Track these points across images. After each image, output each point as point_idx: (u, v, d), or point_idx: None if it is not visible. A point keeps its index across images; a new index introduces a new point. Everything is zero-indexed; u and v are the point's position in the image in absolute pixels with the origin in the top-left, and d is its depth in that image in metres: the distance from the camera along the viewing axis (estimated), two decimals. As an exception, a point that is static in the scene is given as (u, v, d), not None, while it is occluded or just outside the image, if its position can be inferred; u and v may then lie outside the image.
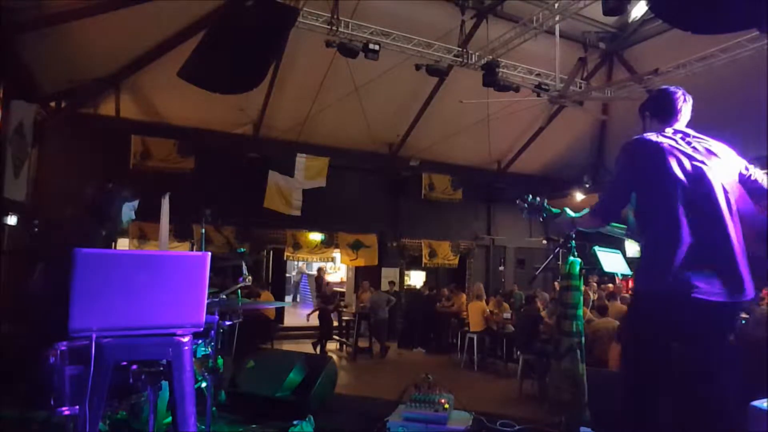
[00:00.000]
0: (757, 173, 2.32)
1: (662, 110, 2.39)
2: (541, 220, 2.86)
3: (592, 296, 8.71)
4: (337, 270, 17.58)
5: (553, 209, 2.83)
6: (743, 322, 5.02)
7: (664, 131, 2.30)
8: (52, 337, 2.06)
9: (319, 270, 13.70)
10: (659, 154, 2.19)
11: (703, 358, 2.13)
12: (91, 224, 2.71)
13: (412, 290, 13.30)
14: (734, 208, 2.16)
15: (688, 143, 2.24)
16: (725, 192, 2.17)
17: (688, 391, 2.14)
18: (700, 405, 2.12)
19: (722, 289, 2.04)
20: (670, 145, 2.21)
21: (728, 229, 2.09)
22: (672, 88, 2.42)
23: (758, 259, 2.19)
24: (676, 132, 2.30)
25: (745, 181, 2.30)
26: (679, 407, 2.14)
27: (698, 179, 2.15)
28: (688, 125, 2.40)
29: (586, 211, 2.56)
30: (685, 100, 2.38)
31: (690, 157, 2.19)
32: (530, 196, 2.87)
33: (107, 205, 2.76)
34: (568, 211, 2.67)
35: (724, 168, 2.23)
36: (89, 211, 2.76)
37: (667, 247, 2.11)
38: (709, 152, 2.24)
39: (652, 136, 2.26)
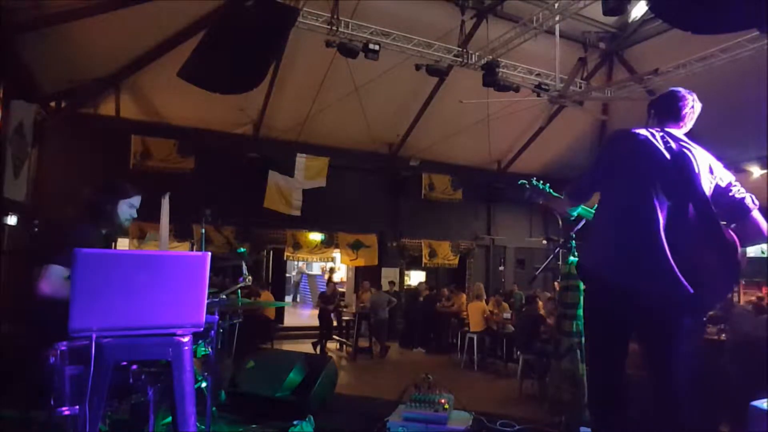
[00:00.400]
0: (741, 191, 2.27)
1: (666, 112, 2.39)
2: (540, 201, 2.93)
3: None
4: (337, 270, 17.60)
5: (555, 193, 2.89)
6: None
7: (650, 128, 2.32)
8: (52, 337, 2.05)
9: (331, 270, 13.78)
10: (629, 146, 2.26)
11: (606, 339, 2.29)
12: (88, 224, 2.67)
13: (411, 290, 13.31)
14: (689, 214, 2.15)
15: (665, 143, 2.23)
16: (686, 197, 2.16)
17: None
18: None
19: (635, 283, 2.12)
20: (646, 140, 2.24)
21: (659, 228, 2.12)
22: (682, 93, 2.40)
23: (712, 271, 2.17)
24: (659, 130, 2.30)
25: (723, 194, 2.25)
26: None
27: (656, 177, 2.17)
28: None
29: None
30: (692, 106, 2.36)
31: (656, 156, 2.20)
32: (534, 179, 2.94)
33: (102, 203, 2.71)
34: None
35: (692, 175, 2.20)
36: (85, 210, 2.72)
37: (599, 232, 2.32)
38: (682, 156, 2.21)
39: (635, 130, 2.30)
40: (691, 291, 2.06)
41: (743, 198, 2.25)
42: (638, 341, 2.28)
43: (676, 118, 2.36)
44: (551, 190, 2.89)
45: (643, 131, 2.29)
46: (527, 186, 2.94)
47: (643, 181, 2.19)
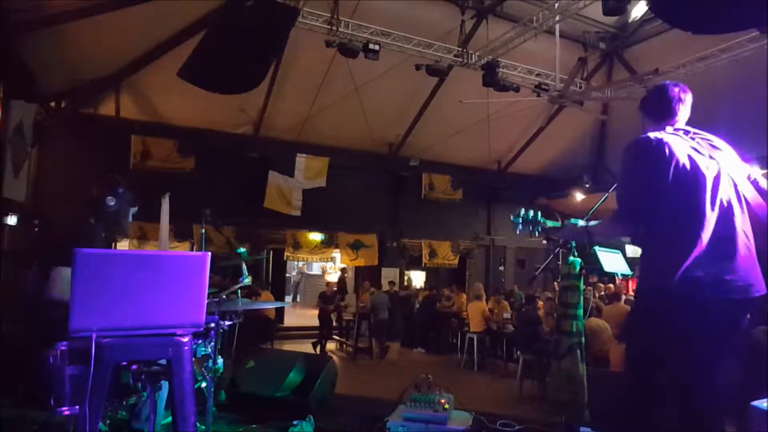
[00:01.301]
0: (756, 173, 2.30)
1: (659, 109, 2.33)
2: (537, 234, 2.72)
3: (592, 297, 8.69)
4: (338, 270, 17.59)
5: (549, 221, 2.70)
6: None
7: (664, 129, 2.25)
8: (52, 337, 2.06)
9: (343, 270, 13.83)
10: (665, 150, 2.13)
11: (713, 358, 2.08)
12: (94, 224, 2.68)
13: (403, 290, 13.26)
14: (744, 202, 2.15)
15: (692, 139, 2.22)
16: (735, 186, 2.16)
17: (695, 389, 2.11)
18: (707, 404, 2.09)
19: (731, 286, 2.01)
20: (675, 141, 2.17)
21: (736, 225, 2.08)
22: (668, 85, 2.34)
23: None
24: (677, 130, 2.26)
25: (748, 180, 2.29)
26: (685, 406, 2.11)
27: (707, 174, 2.12)
28: (688, 123, 2.37)
29: (589, 221, 2.47)
30: (680, 98, 2.30)
31: (696, 152, 2.16)
32: (523, 210, 2.73)
33: (114, 208, 2.72)
34: (578, 221, 2.53)
35: (732, 162, 2.21)
36: (94, 212, 2.71)
37: (675, 244, 2.08)
38: (714, 147, 2.22)
39: (656, 134, 2.20)
40: (763, 291, 2.04)
41: (762, 181, 2.28)
42: (701, 350, 2.11)
43: (671, 112, 2.30)
44: (544, 218, 2.68)
45: (662, 135, 2.20)
46: (519, 220, 2.72)
47: (702, 184, 2.11)
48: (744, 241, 2.08)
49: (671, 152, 2.13)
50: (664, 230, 2.15)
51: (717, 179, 2.13)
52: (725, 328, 2.07)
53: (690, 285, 2.02)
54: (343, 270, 13.89)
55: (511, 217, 2.77)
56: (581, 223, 2.50)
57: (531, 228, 2.71)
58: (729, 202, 2.11)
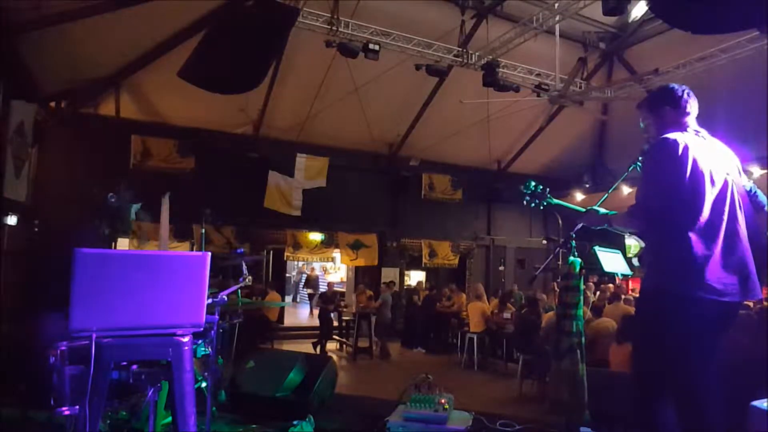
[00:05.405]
0: (754, 186, 2.39)
1: (673, 106, 2.37)
2: (541, 208, 2.83)
3: (592, 297, 8.69)
4: (337, 270, 17.60)
5: (554, 200, 2.82)
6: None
7: (686, 129, 2.30)
8: (52, 337, 2.06)
9: (329, 285, 13.80)
10: (687, 154, 2.16)
11: (714, 355, 2.16)
12: (97, 227, 2.65)
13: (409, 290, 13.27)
14: (742, 208, 2.22)
15: (703, 139, 2.28)
16: (738, 193, 2.22)
17: (702, 386, 2.13)
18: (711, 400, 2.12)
19: (738, 289, 2.10)
20: (693, 143, 2.21)
21: (741, 231, 2.16)
22: (675, 86, 2.43)
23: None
24: (690, 131, 2.31)
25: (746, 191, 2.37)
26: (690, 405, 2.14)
27: (719, 180, 2.18)
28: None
29: (608, 211, 2.49)
30: (690, 94, 2.40)
31: (712, 158, 2.22)
32: (533, 183, 2.83)
33: (118, 208, 2.69)
34: (599, 208, 2.54)
35: (735, 168, 2.28)
36: (99, 214, 2.69)
37: (689, 247, 2.10)
38: (722, 152, 2.29)
39: (678, 136, 2.21)
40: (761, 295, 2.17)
41: (757, 193, 2.40)
42: (706, 348, 2.14)
43: (684, 108, 2.35)
44: (551, 197, 2.80)
45: (686, 136, 2.23)
46: (527, 191, 2.81)
47: (714, 188, 2.18)
48: (745, 247, 2.16)
49: (690, 156, 2.16)
50: (678, 233, 2.16)
51: (725, 185, 2.19)
52: (724, 329, 2.17)
53: (699, 289, 2.06)
54: (329, 285, 13.72)
55: (521, 188, 2.88)
56: (603, 210, 2.52)
57: (537, 201, 2.81)
58: (734, 210, 2.18)
